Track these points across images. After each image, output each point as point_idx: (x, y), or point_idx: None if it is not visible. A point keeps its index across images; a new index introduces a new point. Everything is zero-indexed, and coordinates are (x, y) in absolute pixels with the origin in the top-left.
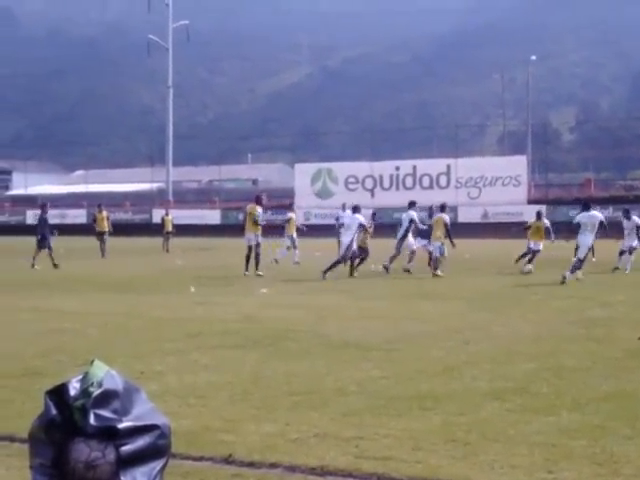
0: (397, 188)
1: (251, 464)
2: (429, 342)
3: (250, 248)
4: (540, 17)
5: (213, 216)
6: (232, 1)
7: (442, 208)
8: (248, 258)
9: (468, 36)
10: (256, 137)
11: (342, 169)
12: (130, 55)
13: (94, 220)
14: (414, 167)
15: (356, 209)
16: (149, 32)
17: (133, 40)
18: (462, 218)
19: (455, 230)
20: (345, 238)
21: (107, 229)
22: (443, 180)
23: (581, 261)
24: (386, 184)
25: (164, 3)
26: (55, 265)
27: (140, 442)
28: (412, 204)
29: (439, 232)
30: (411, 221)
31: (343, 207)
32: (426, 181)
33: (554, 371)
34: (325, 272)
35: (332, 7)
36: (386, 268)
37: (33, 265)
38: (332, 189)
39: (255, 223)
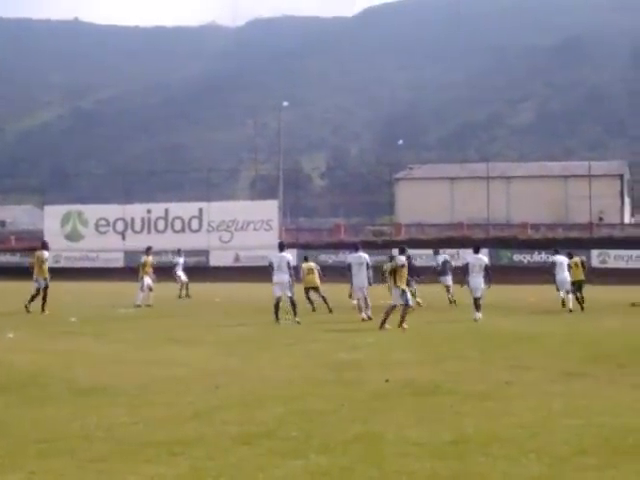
0: (149, 231)
1: None
2: (180, 387)
3: (38, 290)
4: (293, 64)
5: None
6: None
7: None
8: (43, 298)
9: (222, 81)
10: (5, 177)
11: (93, 211)
12: None
13: None
14: (166, 210)
15: (282, 247)
16: None
17: None
18: (214, 262)
19: (206, 274)
20: (284, 276)
21: None
22: (195, 223)
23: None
24: (137, 227)
25: None
26: None
27: None
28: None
29: None
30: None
31: (179, 252)
32: (178, 224)
33: (303, 414)
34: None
35: (85, 48)
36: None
37: None
38: (82, 232)
39: (43, 267)
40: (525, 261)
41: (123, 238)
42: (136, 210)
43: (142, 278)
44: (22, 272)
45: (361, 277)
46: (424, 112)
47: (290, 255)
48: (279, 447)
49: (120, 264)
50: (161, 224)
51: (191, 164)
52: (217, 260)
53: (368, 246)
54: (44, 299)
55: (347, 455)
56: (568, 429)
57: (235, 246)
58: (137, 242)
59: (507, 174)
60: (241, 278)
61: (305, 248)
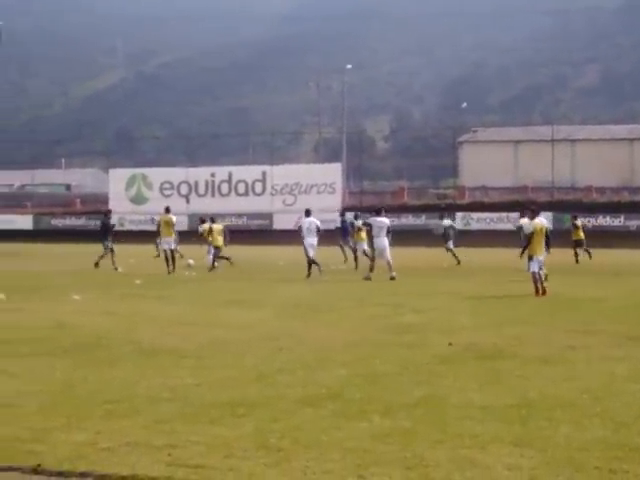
0: (212, 194)
1: (60, 474)
2: (242, 349)
3: (166, 252)
4: (356, 26)
5: (25, 221)
6: (47, 3)
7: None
8: (167, 260)
9: (285, 43)
10: (70, 141)
11: (157, 174)
12: None
13: None
14: (230, 173)
15: (308, 213)
16: None
17: None
18: (277, 225)
19: (270, 237)
20: (314, 239)
21: None
22: (259, 187)
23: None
24: (201, 190)
25: None
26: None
27: None
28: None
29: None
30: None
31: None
32: (242, 188)
33: (366, 377)
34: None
35: (148, 11)
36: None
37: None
38: (147, 195)
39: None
40: (590, 225)
41: (187, 201)
42: (200, 173)
43: (211, 243)
44: (87, 235)
45: (382, 240)
46: (488, 74)
47: (317, 220)
48: (342, 409)
49: (184, 227)
50: (225, 187)
51: (254, 127)
52: (280, 223)
53: (432, 209)
54: (173, 260)
55: (410, 418)
56: (632, 393)
57: (298, 209)
58: (201, 205)
59: (572, 137)
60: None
61: (369, 211)
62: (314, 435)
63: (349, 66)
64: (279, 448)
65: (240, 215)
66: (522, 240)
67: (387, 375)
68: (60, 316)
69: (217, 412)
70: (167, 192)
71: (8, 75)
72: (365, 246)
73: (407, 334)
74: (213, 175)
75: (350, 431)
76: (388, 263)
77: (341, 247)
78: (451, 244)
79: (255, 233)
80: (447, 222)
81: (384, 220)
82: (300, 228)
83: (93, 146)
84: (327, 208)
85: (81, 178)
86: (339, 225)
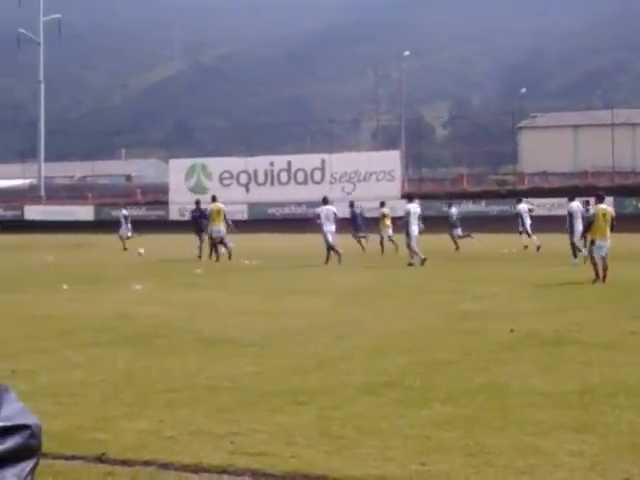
0: (272, 183)
1: (124, 462)
2: (303, 337)
3: (214, 240)
4: (412, 13)
5: (86, 212)
6: None
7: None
8: (214, 247)
9: (342, 32)
10: (129, 132)
11: (216, 164)
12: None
13: None
14: (289, 162)
15: (326, 201)
16: (19, 26)
17: (3, 34)
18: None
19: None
20: (332, 226)
21: None
22: (317, 175)
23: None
24: (261, 179)
25: None
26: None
27: (10, 442)
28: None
29: None
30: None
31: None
32: (301, 176)
33: (427, 364)
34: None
35: (205, 3)
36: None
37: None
38: (206, 184)
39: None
40: None
41: (247, 191)
42: (259, 162)
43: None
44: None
45: (416, 227)
46: (547, 60)
47: (334, 208)
48: (403, 397)
49: (244, 216)
50: (284, 176)
51: (312, 116)
52: (339, 211)
53: (491, 195)
54: (226, 247)
55: (472, 405)
56: None
57: (357, 197)
58: (260, 194)
59: (632, 121)
60: (364, 229)
61: (427, 198)
62: (375, 423)
63: (407, 53)
64: (340, 436)
65: (299, 203)
66: (568, 225)
67: (448, 362)
68: (121, 306)
69: (278, 400)
70: (226, 182)
71: (68, 68)
72: (390, 233)
73: (467, 321)
74: (272, 164)
75: (411, 418)
76: (413, 249)
77: (357, 238)
78: (460, 231)
79: (314, 221)
80: (524, 206)
81: (417, 207)
82: (318, 216)
83: (152, 137)
84: (386, 196)
85: (141, 169)
86: (349, 216)
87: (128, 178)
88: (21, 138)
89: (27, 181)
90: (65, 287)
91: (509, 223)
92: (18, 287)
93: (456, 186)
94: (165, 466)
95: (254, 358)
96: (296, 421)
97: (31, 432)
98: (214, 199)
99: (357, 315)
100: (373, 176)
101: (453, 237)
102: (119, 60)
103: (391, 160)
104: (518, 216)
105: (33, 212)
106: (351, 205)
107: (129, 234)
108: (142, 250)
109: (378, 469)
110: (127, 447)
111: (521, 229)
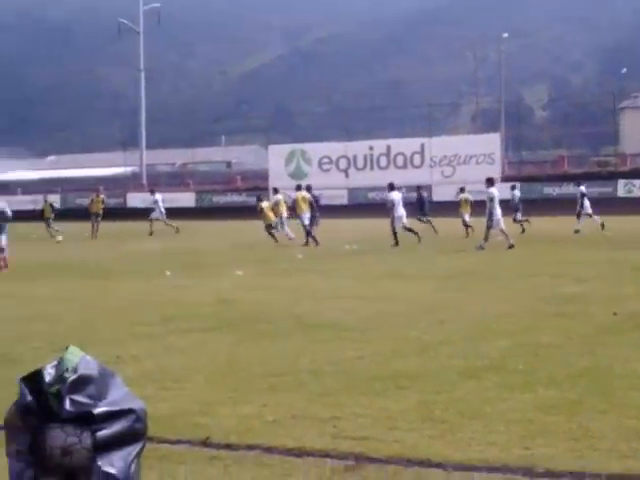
0: (371, 168)
1: (228, 446)
2: (403, 322)
3: (306, 227)
4: None
5: (187, 199)
6: None
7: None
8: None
9: (439, 14)
10: (229, 119)
11: (316, 150)
12: (101, 39)
13: (90, 202)
14: (388, 147)
15: (392, 187)
16: (120, 15)
17: (104, 24)
18: (437, 197)
19: (430, 209)
20: (403, 210)
21: (101, 211)
22: (417, 159)
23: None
24: (360, 164)
25: None
26: None
27: (116, 427)
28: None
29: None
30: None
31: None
32: (400, 160)
33: (529, 348)
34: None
35: None
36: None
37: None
38: (306, 170)
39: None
40: None
41: (346, 176)
42: (358, 147)
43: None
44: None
45: (499, 210)
46: None
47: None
48: (506, 381)
49: (344, 201)
50: (383, 160)
51: (410, 99)
52: (440, 195)
53: (592, 177)
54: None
55: (575, 389)
56: None
57: (457, 180)
58: (360, 179)
59: None
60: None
61: (528, 181)
62: (478, 407)
63: (505, 35)
64: (443, 420)
65: (399, 188)
66: None
67: (550, 346)
68: (223, 292)
69: (380, 384)
70: (326, 167)
71: (168, 57)
72: (467, 217)
73: (569, 304)
74: (371, 148)
75: (514, 402)
76: (503, 231)
77: (423, 221)
78: (519, 215)
79: (415, 205)
80: (583, 189)
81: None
82: (392, 202)
83: (252, 123)
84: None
85: (241, 155)
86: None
87: (228, 165)
88: (122, 127)
89: (129, 169)
90: (168, 273)
91: (609, 205)
92: (121, 274)
93: (557, 168)
94: (269, 450)
95: (355, 342)
96: (398, 405)
97: (137, 416)
98: (299, 188)
99: (456, 299)
100: (473, 159)
101: (516, 221)
102: (218, 47)
103: (491, 143)
104: (580, 197)
105: (135, 199)
106: (418, 189)
107: (160, 218)
108: (60, 237)
109: (481, 453)
110: (231, 431)
111: (580, 210)
